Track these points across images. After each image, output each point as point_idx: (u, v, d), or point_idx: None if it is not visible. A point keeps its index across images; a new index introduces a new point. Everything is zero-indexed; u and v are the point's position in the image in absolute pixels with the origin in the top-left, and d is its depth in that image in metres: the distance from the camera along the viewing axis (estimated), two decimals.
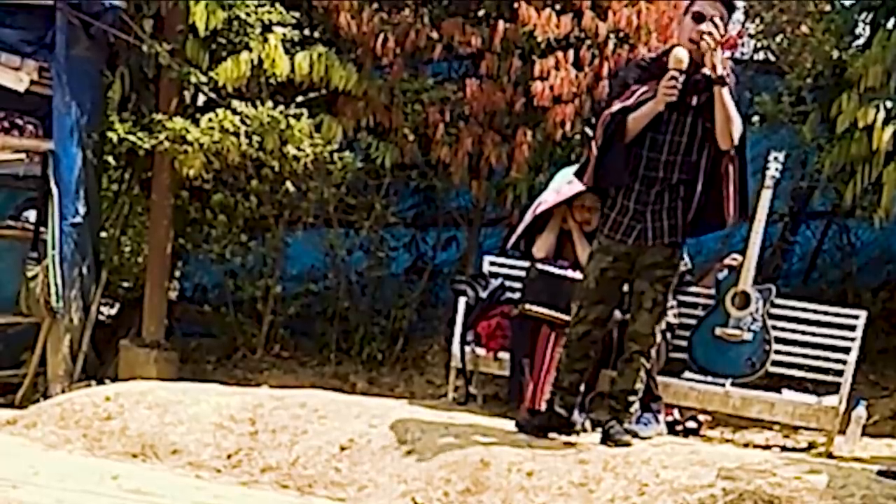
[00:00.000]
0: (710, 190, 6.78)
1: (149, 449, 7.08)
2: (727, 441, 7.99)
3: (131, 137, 9.04)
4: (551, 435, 6.91)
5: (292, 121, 8.83)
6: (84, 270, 9.19)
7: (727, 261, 8.06)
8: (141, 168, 9.63)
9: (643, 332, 6.80)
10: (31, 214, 9.24)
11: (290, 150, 8.88)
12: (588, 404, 7.46)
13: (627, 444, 6.69)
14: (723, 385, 7.71)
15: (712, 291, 8.01)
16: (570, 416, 6.97)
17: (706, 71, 6.65)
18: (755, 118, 9.39)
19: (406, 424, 6.97)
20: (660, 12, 8.70)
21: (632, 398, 6.87)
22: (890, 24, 8.91)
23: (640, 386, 6.88)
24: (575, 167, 7.32)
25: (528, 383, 7.51)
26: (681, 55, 6.56)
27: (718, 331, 7.81)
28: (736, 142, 6.68)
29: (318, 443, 6.88)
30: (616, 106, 6.70)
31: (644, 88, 6.66)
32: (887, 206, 8.58)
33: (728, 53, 8.97)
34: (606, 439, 6.77)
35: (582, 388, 7.08)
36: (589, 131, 8.25)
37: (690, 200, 6.79)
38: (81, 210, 9.11)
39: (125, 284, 10.66)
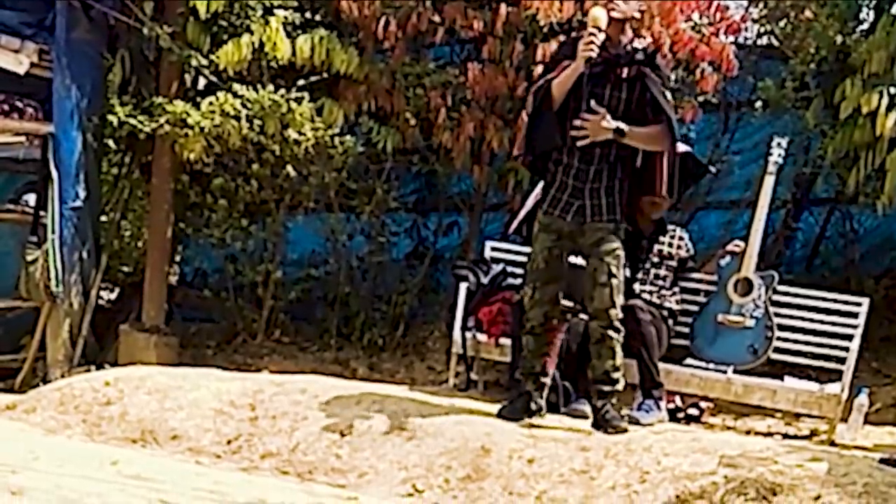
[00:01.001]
0: (647, 160, 6.92)
1: (148, 434, 7.07)
2: (729, 428, 7.99)
3: (132, 121, 9.01)
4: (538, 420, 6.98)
5: (293, 104, 8.81)
6: (84, 255, 9.17)
7: (729, 247, 8.04)
8: (141, 152, 9.60)
9: (602, 307, 6.81)
10: (31, 198, 9.22)
11: (291, 134, 8.87)
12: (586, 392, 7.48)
13: (624, 430, 6.70)
14: (725, 372, 7.70)
15: (714, 278, 7.98)
16: (541, 398, 7.06)
17: (637, 44, 6.84)
18: (758, 103, 9.38)
19: (407, 411, 6.96)
20: None
21: (616, 374, 6.88)
22: (894, 10, 8.87)
23: (619, 361, 6.90)
24: None
25: None
26: (597, 13, 6.71)
27: (721, 317, 7.79)
28: (667, 148, 6.85)
29: (318, 429, 6.87)
30: (543, 79, 6.86)
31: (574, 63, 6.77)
32: (890, 193, 8.56)
33: (731, 38, 8.99)
34: (601, 424, 6.77)
35: (551, 369, 7.19)
36: None
37: (630, 178, 6.89)
38: (81, 194, 9.09)
39: (125, 269, 10.67)
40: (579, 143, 6.73)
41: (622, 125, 6.71)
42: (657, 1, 8.65)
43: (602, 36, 6.64)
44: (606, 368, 6.86)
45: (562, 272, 6.99)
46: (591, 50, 6.61)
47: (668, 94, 6.98)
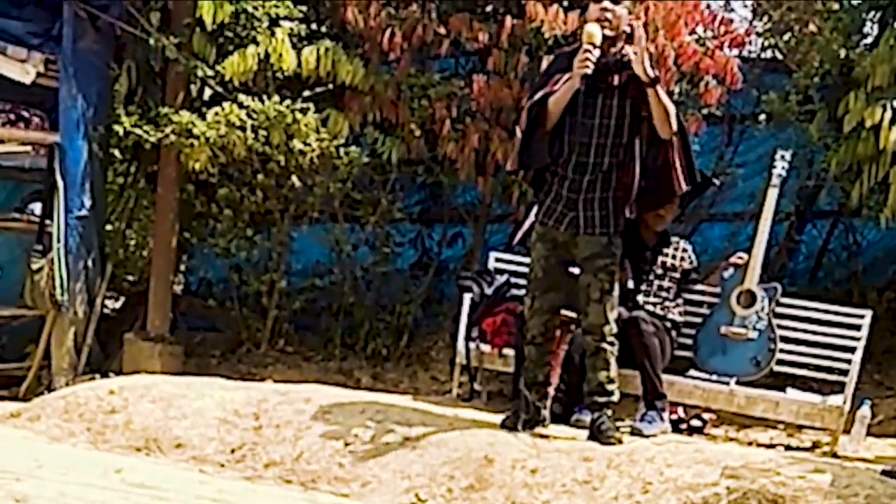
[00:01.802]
0: (655, 164, 6.90)
1: (152, 443, 7.07)
2: (731, 440, 7.98)
3: (137, 131, 9.04)
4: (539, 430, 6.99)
5: (299, 115, 8.83)
6: (89, 263, 9.19)
7: (733, 259, 8.05)
8: (147, 161, 9.64)
9: (597, 322, 6.86)
10: (37, 207, 9.25)
11: (297, 144, 8.89)
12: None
13: (619, 441, 6.72)
14: (727, 384, 7.70)
15: (718, 290, 7.99)
16: (545, 408, 7.09)
17: (626, 51, 6.81)
18: (762, 116, 9.39)
19: (410, 420, 6.96)
20: (667, 9, 8.68)
21: (610, 386, 6.91)
22: None
23: (614, 373, 6.93)
24: None
25: None
26: (592, 30, 6.72)
27: (724, 329, 7.79)
28: (675, 127, 6.81)
29: (321, 438, 6.87)
30: (539, 94, 6.88)
31: (566, 76, 6.80)
32: (893, 206, 8.56)
33: (735, 51, 9.01)
34: (596, 435, 6.79)
35: (554, 379, 7.24)
36: None
37: (625, 189, 6.90)
38: (87, 203, 9.11)
39: (130, 278, 10.69)
40: (578, 71, 6.68)
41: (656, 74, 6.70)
42: (662, 12, 8.68)
43: (597, 52, 6.67)
44: (601, 380, 6.88)
45: (561, 281, 7.02)
46: (587, 67, 6.63)
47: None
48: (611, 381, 6.90)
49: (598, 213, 6.86)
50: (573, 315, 7.15)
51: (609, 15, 6.79)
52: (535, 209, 7.67)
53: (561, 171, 6.91)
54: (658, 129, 6.76)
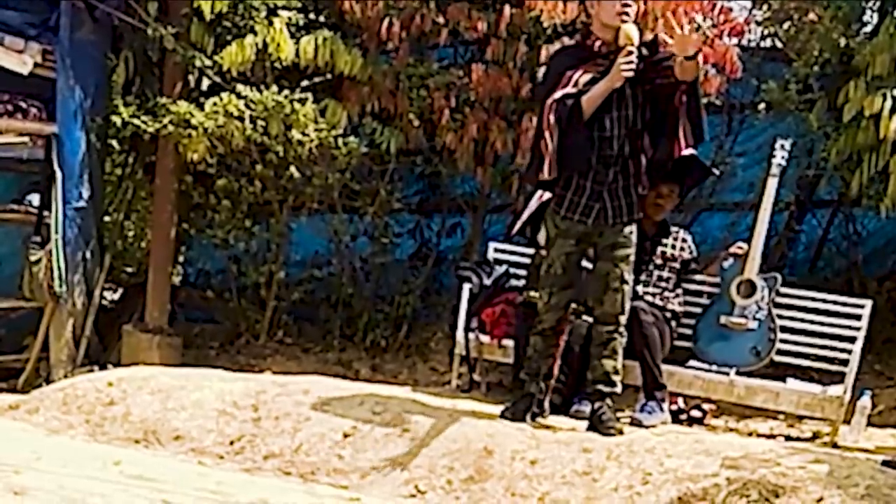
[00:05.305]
0: (661, 134, 6.89)
1: (151, 435, 7.07)
2: (731, 430, 7.97)
3: (135, 121, 9.02)
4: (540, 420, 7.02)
5: (297, 105, 8.81)
6: (87, 255, 9.19)
7: (732, 249, 8.04)
8: (145, 152, 9.62)
9: (613, 311, 6.86)
10: (35, 198, 9.24)
11: (295, 134, 8.87)
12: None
13: (619, 432, 6.72)
14: (727, 374, 7.69)
15: (717, 280, 7.98)
16: (545, 399, 7.10)
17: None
18: (762, 106, 9.37)
19: (409, 412, 6.96)
20: None
21: (615, 377, 6.93)
22: None
23: (620, 364, 6.93)
24: None
25: None
26: (630, 31, 6.66)
27: (723, 319, 7.78)
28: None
29: (320, 430, 6.88)
30: (559, 93, 6.77)
31: (580, 72, 6.77)
32: (893, 196, 8.54)
33: (735, 40, 8.98)
34: (596, 425, 6.79)
35: (554, 370, 7.23)
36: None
37: (641, 171, 6.90)
38: (85, 194, 9.11)
39: (128, 269, 10.67)
40: (623, 73, 6.62)
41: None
42: (661, 2, 8.65)
43: (635, 52, 6.63)
44: (607, 370, 6.88)
45: (577, 277, 7.01)
46: (631, 71, 6.60)
47: None
48: (616, 371, 6.91)
49: (624, 202, 6.85)
50: (573, 305, 7.14)
51: (629, 10, 6.73)
52: (535, 198, 7.64)
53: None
54: (681, 73, 6.63)
